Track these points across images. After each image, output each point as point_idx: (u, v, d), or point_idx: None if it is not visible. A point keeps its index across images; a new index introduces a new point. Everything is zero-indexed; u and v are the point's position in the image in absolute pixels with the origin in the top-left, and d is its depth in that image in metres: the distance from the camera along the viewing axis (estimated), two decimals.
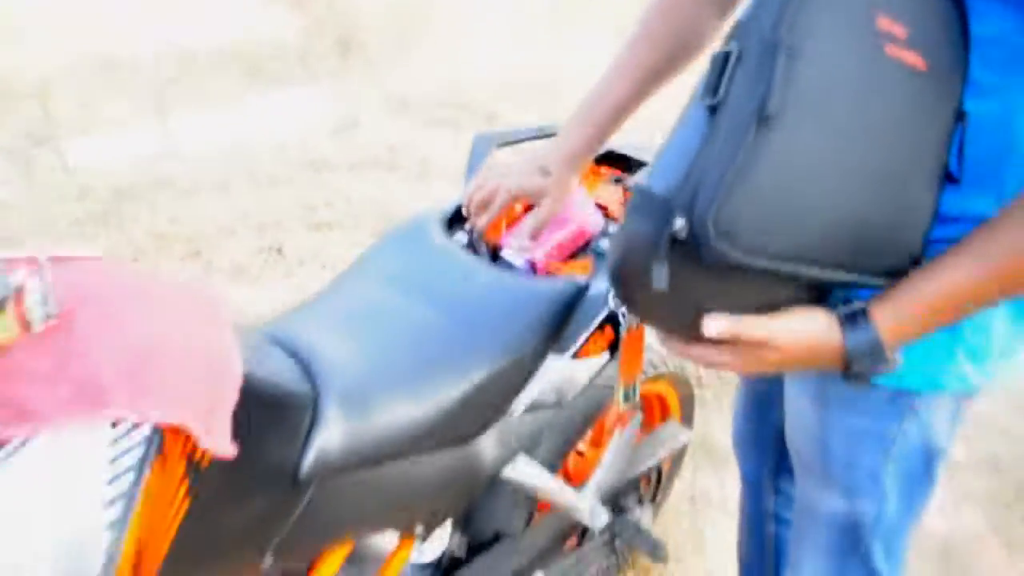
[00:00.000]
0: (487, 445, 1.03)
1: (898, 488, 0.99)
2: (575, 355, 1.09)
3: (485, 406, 0.99)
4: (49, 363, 0.61)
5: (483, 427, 1.01)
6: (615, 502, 1.47)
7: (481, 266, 1.10)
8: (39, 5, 5.63)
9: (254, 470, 0.77)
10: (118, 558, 0.63)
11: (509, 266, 1.16)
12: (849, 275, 0.71)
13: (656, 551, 1.45)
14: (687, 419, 1.60)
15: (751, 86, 0.64)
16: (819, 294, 0.75)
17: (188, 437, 0.66)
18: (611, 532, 1.46)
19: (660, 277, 0.67)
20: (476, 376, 0.96)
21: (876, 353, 0.73)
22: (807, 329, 0.75)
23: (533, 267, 1.15)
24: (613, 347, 1.12)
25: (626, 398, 1.12)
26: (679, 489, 2.05)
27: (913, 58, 0.67)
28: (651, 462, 1.46)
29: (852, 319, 0.73)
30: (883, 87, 0.67)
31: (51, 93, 4.40)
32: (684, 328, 0.74)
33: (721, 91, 0.66)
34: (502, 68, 5.34)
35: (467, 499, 1.06)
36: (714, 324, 0.72)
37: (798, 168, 0.66)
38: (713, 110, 0.67)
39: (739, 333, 0.73)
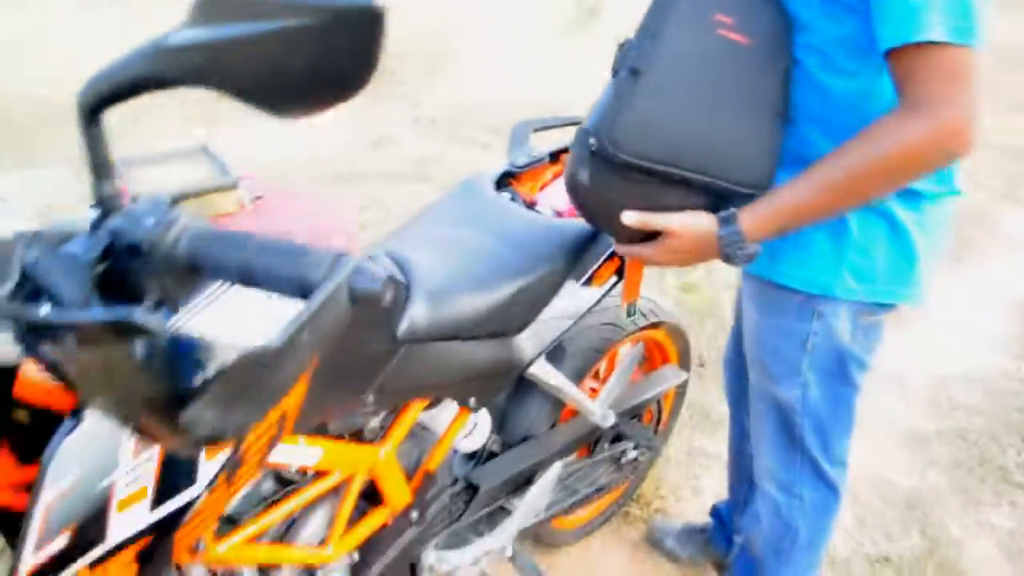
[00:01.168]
0: (522, 342, 1.34)
1: (816, 380, 1.31)
2: (588, 281, 1.41)
3: (523, 308, 1.30)
4: (255, 228, 0.93)
5: (520, 326, 1.32)
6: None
7: (522, 211, 1.43)
8: (82, 24, 5.99)
9: (368, 329, 1.09)
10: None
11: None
12: (713, 180, 1.08)
13: (653, 446, 1.76)
14: (683, 364, 1.90)
15: (632, 58, 1.06)
16: (714, 206, 1.11)
17: None
18: (618, 449, 1.77)
19: (584, 176, 1.11)
20: (517, 285, 1.28)
21: (739, 243, 1.08)
22: (697, 222, 1.11)
23: (559, 215, 1.47)
24: (619, 274, 1.45)
25: (629, 313, 1.45)
26: (678, 444, 2.34)
27: (738, 37, 1.07)
28: (651, 394, 1.77)
29: (725, 219, 1.09)
30: (715, 54, 1.07)
31: None
32: (619, 231, 1.15)
33: (617, 64, 1.09)
34: (519, 90, 5.69)
35: (505, 385, 1.37)
36: (628, 214, 1.11)
37: (660, 101, 1.06)
38: (614, 74, 1.09)
39: (647, 221, 1.11)
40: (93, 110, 0.65)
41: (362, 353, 1.09)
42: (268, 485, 1.16)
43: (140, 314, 0.53)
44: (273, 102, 0.62)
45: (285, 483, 1.18)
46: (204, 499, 0.86)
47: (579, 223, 1.36)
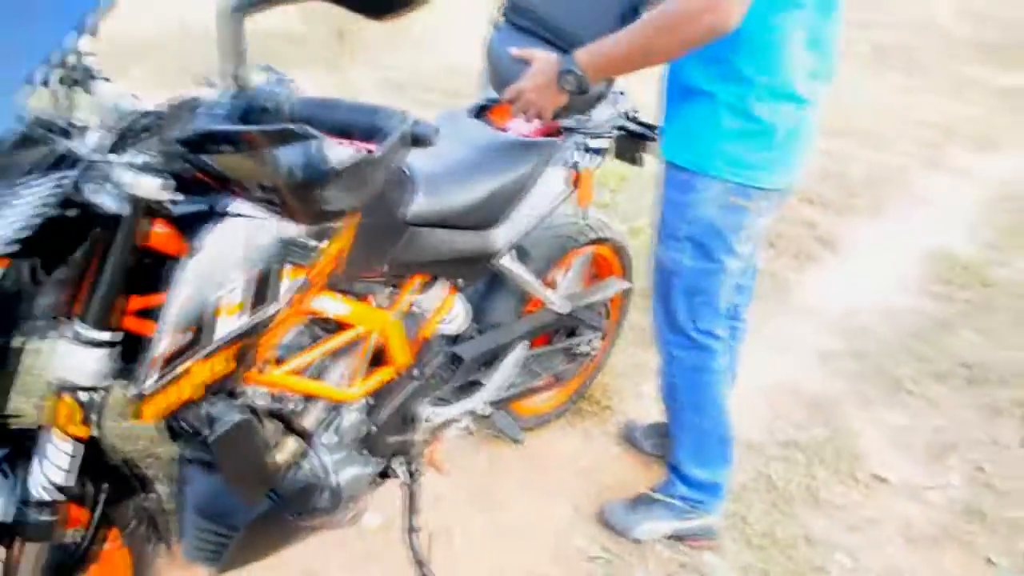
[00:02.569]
0: (497, 235, 1.70)
1: (691, 248, 1.71)
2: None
3: (497, 205, 1.65)
4: None
5: (495, 221, 1.68)
6: (574, 325, 2.15)
7: (495, 132, 1.78)
8: None
9: (388, 211, 1.43)
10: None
11: None
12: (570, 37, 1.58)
13: (599, 326, 2.16)
14: (626, 276, 2.28)
15: None
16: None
17: None
18: (572, 341, 2.14)
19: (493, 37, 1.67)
20: (493, 186, 1.63)
21: (574, 74, 1.52)
22: (550, 56, 1.57)
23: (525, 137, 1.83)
24: (575, 184, 1.82)
25: (583, 217, 1.82)
26: (622, 360, 2.71)
27: None
28: (599, 296, 2.15)
29: (568, 59, 1.53)
30: None
31: None
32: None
33: None
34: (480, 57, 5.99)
35: (484, 269, 1.73)
36: (514, 50, 1.64)
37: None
38: None
39: (525, 53, 1.62)
40: (236, 15, 0.98)
41: (383, 229, 1.43)
42: (306, 339, 1.49)
43: (295, 126, 0.88)
44: (368, 10, 0.96)
45: (316, 339, 1.52)
46: (283, 312, 1.20)
47: (542, 141, 1.72)
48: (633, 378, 2.67)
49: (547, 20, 1.63)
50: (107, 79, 1.19)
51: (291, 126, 0.89)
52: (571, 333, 2.16)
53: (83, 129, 1.09)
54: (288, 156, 0.90)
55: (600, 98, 1.83)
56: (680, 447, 1.94)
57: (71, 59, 1.12)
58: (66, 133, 1.05)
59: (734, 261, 1.73)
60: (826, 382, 2.77)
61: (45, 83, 1.05)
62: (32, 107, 1.01)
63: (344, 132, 0.98)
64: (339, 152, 0.90)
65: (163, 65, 5.00)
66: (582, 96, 1.60)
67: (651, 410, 2.44)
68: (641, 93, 1.98)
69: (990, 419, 2.60)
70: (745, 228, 1.69)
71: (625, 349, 2.72)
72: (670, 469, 2.00)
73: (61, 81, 1.13)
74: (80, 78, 1.16)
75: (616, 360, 2.64)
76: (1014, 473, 2.35)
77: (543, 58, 1.58)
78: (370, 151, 0.94)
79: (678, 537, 1.97)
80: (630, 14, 1.55)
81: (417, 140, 1.01)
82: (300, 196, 0.93)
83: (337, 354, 1.53)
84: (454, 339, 1.85)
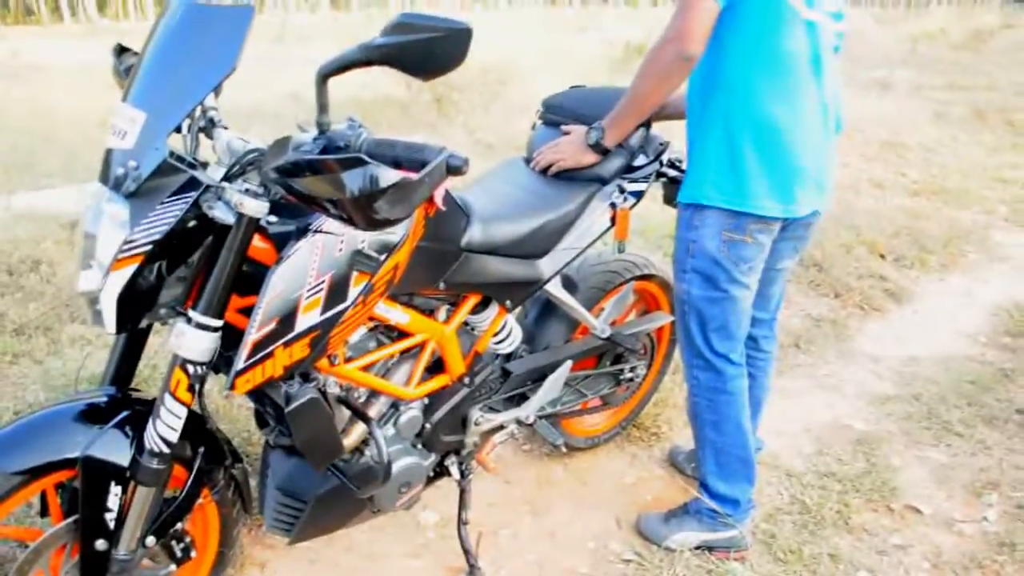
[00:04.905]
0: (543, 264, 1.96)
1: (698, 278, 1.94)
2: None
3: (544, 239, 1.92)
4: None
5: (544, 252, 1.94)
6: (620, 352, 2.37)
7: (545, 176, 2.06)
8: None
9: (445, 238, 1.72)
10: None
11: None
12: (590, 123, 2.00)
13: (634, 348, 2.35)
14: (672, 311, 2.49)
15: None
16: None
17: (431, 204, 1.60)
18: (617, 367, 2.36)
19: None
20: (540, 221, 1.90)
21: (596, 130, 1.97)
22: (582, 127, 1.98)
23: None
24: (612, 221, 2.07)
25: (620, 250, 2.07)
26: (674, 391, 2.89)
27: None
28: (642, 327, 2.37)
29: (596, 123, 1.95)
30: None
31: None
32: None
33: None
34: None
35: (531, 293, 1.98)
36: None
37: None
38: None
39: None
40: (324, 77, 1.30)
41: (440, 252, 1.72)
42: (373, 343, 1.78)
43: (363, 156, 1.18)
44: (418, 72, 1.27)
45: (382, 344, 1.80)
46: (350, 311, 1.49)
47: (585, 183, 1.99)
48: (683, 410, 2.84)
49: (576, 112, 2.09)
50: (226, 127, 1.53)
51: (353, 155, 1.19)
52: (616, 359, 2.38)
53: (205, 163, 1.44)
54: (350, 178, 1.20)
55: (642, 147, 2.10)
56: (704, 463, 2.12)
57: (198, 111, 1.46)
58: (193, 166, 1.39)
59: (740, 290, 1.94)
60: (875, 422, 2.87)
61: (178, 129, 1.40)
62: (169, 145, 1.35)
63: (398, 164, 1.28)
64: (387, 175, 1.20)
65: (277, 126, 5.56)
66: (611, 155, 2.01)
67: None
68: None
69: None
70: (746, 261, 1.90)
71: (679, 384, 2.91)
72: (699, 484, 2.17)
73: (189, 128, 1.49)
74: (205, 125, 1.51)
75: (669, 394, 2.83)
76: None
77: (580, 128, 2.03)
78: (410, 175, 1.23)
79: (708, 548, 2.13)
80: None
81: (451, 170, 1.30)
82: (357, 208, 1.22)
83: (400, 358, 1.81)
84: (507, 357, 2.11)
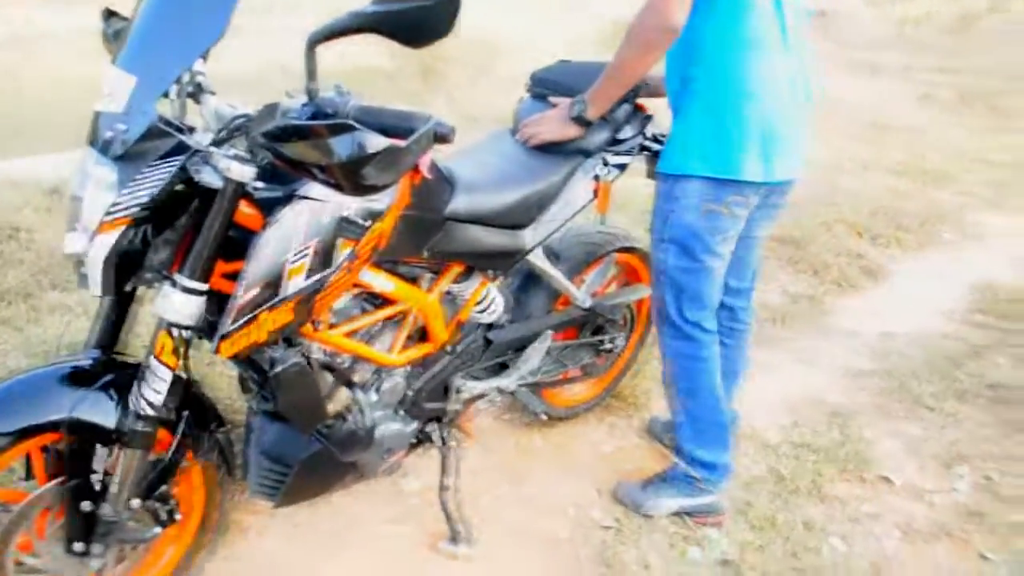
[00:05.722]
0: (527, 234, 1.98)
1: (674, 248, 1.97)
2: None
3: (528, 209, 1.94)
4: None
5: (527, 222, 1.96)
6: (600, 323, 2.40)
7: (528, 149, 2.08)
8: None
9: (429, 207, 1.73)
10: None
11: None
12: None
13: (614, 318, 2.38)
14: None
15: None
16: None
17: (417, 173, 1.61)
18: (597, 338, 2.40)
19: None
20: (524, 192, 1.92)
21: (580, 102, 1.96)
22: (565, 103, 1.99)
23: None
24: (595, 194, 2.09)
25: (601, 222, 2.09)
26: (652, 362, 2.92)
27: None
28: (622, 298, 2.41)
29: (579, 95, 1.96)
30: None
31: None
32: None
33: None
34: None
35: (514, 263, 2.00)
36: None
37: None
38: None
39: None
40: (312, 44, 1.31)
41: (424, 221, 1.73)
42: (357, 310, 1.80)
43: (351, 122, 1.19)
44: (407, 40, 1.28)
45: (367, 310, 1.82)
46: (335, 276, 1.50)
47: (569, 156, 2.01)
48: (660, 378, 2.89)
49: (564, 86, 2.11)
50: (213, 92, 1.54)
51: (341, 121, 1.20)
52: (597, 331, 2.42)
53: (192, 128, 1.44)
54: (338, 143, 1.21)
55: (627, 121, 2.12)
56: (681, 429, 2.16)
57: (186, 76, 1.46)
58: (180, 130, 1.39)
59: (715, 260, 1.98)
60: (850, 396, 2.93)
61: (166, 94, 1.41)
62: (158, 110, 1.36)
63: (385, 131, 1.29)
64: (375, 141, 1.21)
65: (264, 96, 5.50)
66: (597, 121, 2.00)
67: None
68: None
69: (1008, 435, 2.72)
70: (722, 232, 1.93)
71: (653, 352, 2.92)
72: (675, 451, 2.22)
73: (178, 93, 1.49)
74: (193, 91, 1.51)
75: (648, 366, 2.87)
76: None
77: (566, 100, 2.03)
78: (397, 142, 1.24)
79: (686, 514, 2.18)
80: None
81: (438, 137, 1.31)
82: (345, 173, 1.24)
83: (383, 325, 1.83)
84: (489, 327, 2.13)
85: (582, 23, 10.95)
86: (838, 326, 3.50)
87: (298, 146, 1.24)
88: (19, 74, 6.55)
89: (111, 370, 1.55)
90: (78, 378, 1.52)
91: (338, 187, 1.29)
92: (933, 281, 4.03)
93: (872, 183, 5.32)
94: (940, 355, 3.23)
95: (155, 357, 1.46)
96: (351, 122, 1.22)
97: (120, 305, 1.58)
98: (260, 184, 1.47)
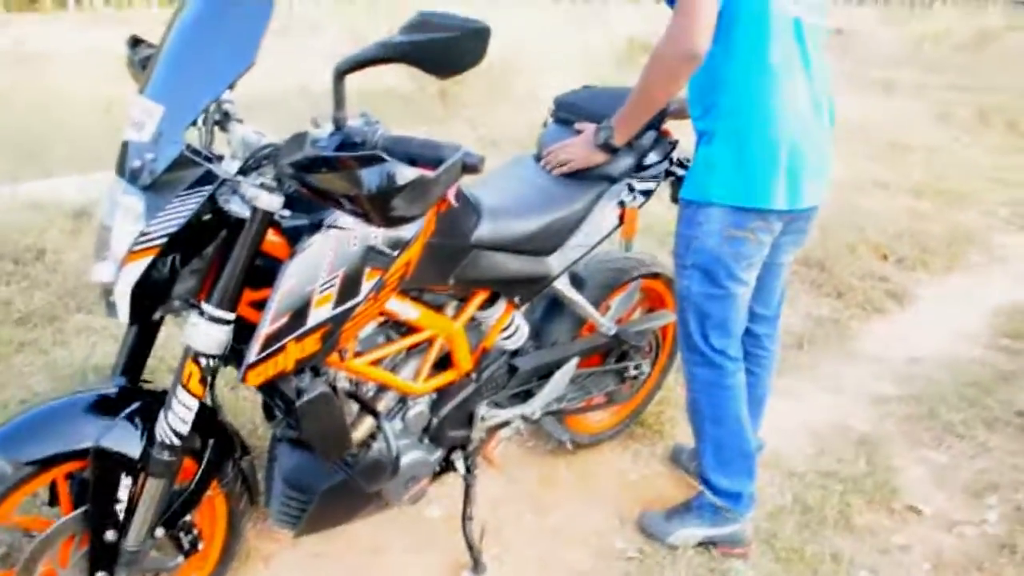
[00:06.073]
0: (552, 261, 1.97)
1: (698, 275, 1.95)
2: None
3: (553, 236, 1.93)
4: None
5: (552, 248, 1.95)
6: (625, 349, 2.38)
7: (553, 175, 2.07)
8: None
9: (455, 234, 1.72)
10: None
11: None
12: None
13: (640, 345, 2.36)
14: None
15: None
16: None
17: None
18: (622, 365, 2.37)
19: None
20: (549, 219, 1.91)
21: (606, 128, 1.96)
22: (590, 130, 2.01)
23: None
24: (620, 220, 2.08)
25: (627, 248, 2.08)
26: (676, 389, 2.90)
27: None
28: (647, 325, 2.38)
29: (606, 121, 1.97)
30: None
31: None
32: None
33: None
34: None
35: (540, 290, 1.99)
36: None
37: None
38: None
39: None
40: (340, 74, 1.31)
41: (451, 248, 1.73)
42: (382, 338, 1.79)
43: (381, 153, 1.19)
44: (436, 70, 1.27)
45: (391, 339, 1.81)
46: (362, 306, 1.49)
47: (594, 182, 2.00)
48: (686, 409, 2.86)
49: (588, 111, 2.09)
50: (240, 120, 1.54)
51: (371, 153, 1.20)
52: (621, 357, 2.39)
53: (220, 157, 1.44)
54: (368, 175, 1.20)
55: (652, 147, 2.11)
56: (705, 457, 2.13)
57: (213, 105, 1.47)
58: (208, 159, 1.39)
59: (739, 287, 1.95)
60: (876, 423, 2.88)
61: (193, 122, 1.41)
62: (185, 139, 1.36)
63: (413, 160, 1.28)
64: (404, 172, 1.20)
65: (286, 117, 5.55)
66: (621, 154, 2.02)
67: None
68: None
69: None
70: (746, 258, 1.91)
71: (678, 379, 2.90)
72: (700, 480, 2.18)
73: (205, 121, 1.49)
74: (220, 119, 1.51)
75: (672, 392, 2.84)
76: None
77: (590, 127, 2.02)
78: (427, 173, 1.24)
79: (711, 544, 2.15)
80: None
81: (467, 168, 1.31)
82: (375, 205, 1.23)
83: (408, 353, 1.82)
84: (514, 353, 2.11)
85: (598, 40, 10.98)
86: (863, 351, 3.46)
87: (327, 177, 1.24)
88: (29, 93, 6.63)
89: (137, 398, 1.55)
90: (104, 406, 1.52)
91: (367, 218, 1.28)
92: (959, 305, 3.98)
93: (894, 204, 5.28)
94: (968, 381, 3.18)
95: (182, 386, 1.46)
96: (381, 153, 1.21)
97: (146, 333, 1.58)
98: (287, 212, 1.47)
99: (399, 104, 7.00)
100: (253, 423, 2.43)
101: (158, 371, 2.52)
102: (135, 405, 1.53)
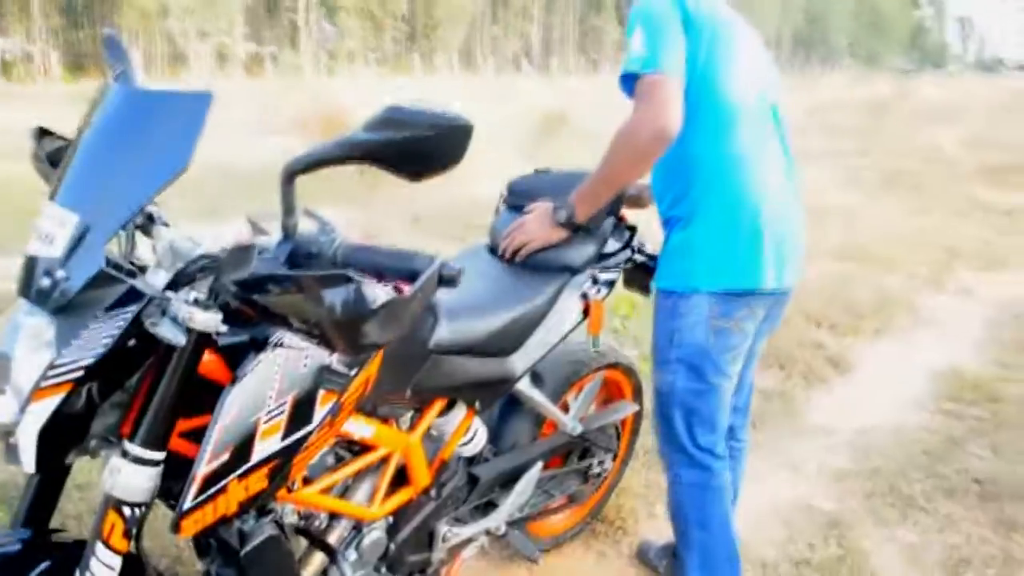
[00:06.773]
0: (514, 361, 1.82)
1: (683, 369, 1.82)
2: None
3: (514, 335, 1.78)
4: None
5: (512, 349, 1.79)
6: (587, 446, 2.23)
7: (511, 266, 1.93)
8: None
9: (413, 340, 1.56)
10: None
11: None
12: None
13: (612, 447, 2.23)
14: (636, 399, 2.37)
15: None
16: None
17: None
18: (584, 463, 2.22)
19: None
20: (509, 317, 1.76)
21: (565, 207, 1.82)
22: (546, 204, 1.87)
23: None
24: (585, 313, 1.94)
25: (594, 344, 1.94)
26: (635, 480, 2.76)
27: None
28: (610, 419, 2.24)
29: (561, 199, 1.83)
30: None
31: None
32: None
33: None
34: (498, 190, 6.33)
35: (502, 393, 1.83)
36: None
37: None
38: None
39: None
40: (291, 175, 1.14)
41: (409, 357, 1.56)
42: (332, 459, 1.59)
43: (350, 271, 1.02)
44: (407, 172, 1.12)
45: (341, 459, 1.61)
46: (316, 433, 1.30)
47: (556, 273, 1.87)
48: (646, 499, 2.72)
49: (543, 195, 1.94)
50: (167, 224, 1.35)
51: (337, 272, 1.03)
52: (584, 454, 2.24)
53: (144, 268, 1.24)
54: (332, 296, 1.03)
55: (614, 233, 2.00)
56: (688, 562, 1.97)
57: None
58: (131, 273, 1.19)
59: (724, 380, 1.84)
60: (839, 501, 2.79)
61: (115, 234, 1.21)
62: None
63: (381, 274, 1.12)
64: (375, 292, 1.04)
65: (205, 199, 5.32)
66: (582, 234, 1.85)
67: (664, 530, 2.46)
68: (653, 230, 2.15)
69: (1005, 535, 2.61)
70: (731, 350, 1.81)
71: (639, 471, 2.78)
72: None
73: (125, 226, 1.29)
74: (143, 223, 1.32)
75: (629, 482, 2.69)
76: None
77: (542, 204, 1.89)
78: (401, 291, 1.07)
79: None
80: None
81: (444, 281, 1.15)
82: (340, 331, 1.06)
83: (361, 474, 1.62)
84: (471, 460, 1.94)
85: (513, 114, 11.11)
86: (814, 424, 3.40)
87: (282, 300, 1.06)
88: None
89: (45, 554, 1.30)
90: (6, 566, 1.27)
91: (326, 343, 1.10)
92: (896, 369, 4.00)
93: (819, 270, 5.36)
94: (920, 449, 3.14)
95: (102, 541, 1.22)
96: (347, 272, 1.04)
97: (55, 476, 1.34)
98: (223, 328, 1.27)
99: (316, 183, 6.81)
100: (177, 546, 2.15)
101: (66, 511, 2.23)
102: (45, 564, 1.28)
